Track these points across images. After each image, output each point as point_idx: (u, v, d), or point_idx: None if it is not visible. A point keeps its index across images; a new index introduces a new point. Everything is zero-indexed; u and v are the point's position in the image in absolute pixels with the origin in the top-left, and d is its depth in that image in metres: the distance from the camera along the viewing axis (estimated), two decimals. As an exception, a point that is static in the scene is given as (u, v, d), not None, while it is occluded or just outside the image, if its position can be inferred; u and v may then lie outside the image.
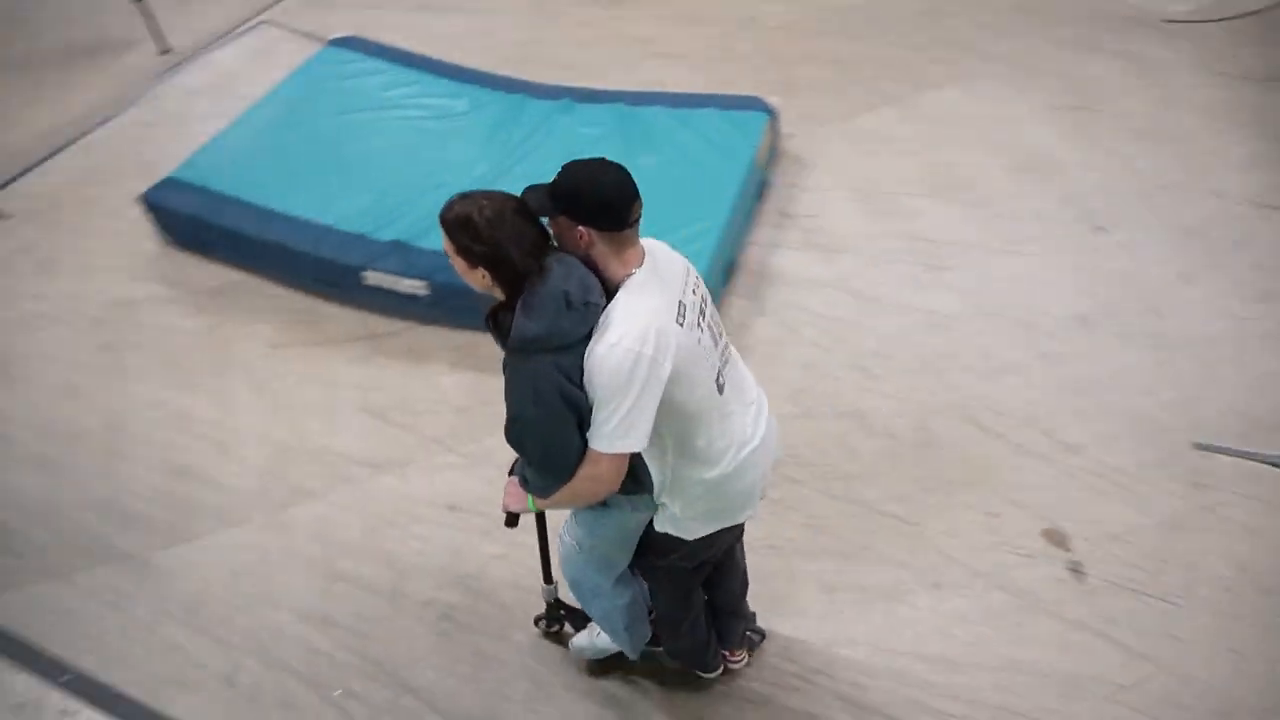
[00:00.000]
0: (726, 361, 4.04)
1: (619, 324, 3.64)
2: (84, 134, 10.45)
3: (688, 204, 7.71)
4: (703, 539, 4.23)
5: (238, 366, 7.69)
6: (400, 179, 8.55)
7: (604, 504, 4.15)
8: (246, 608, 6.04)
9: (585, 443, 3.71)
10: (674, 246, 6.76)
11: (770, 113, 8.83)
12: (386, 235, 7.88)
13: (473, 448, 6.85)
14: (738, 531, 4.65)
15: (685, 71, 10.37)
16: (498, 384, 6.80)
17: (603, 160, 3.73)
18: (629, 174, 3.72)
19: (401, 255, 7.72)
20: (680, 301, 3.80)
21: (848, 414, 6.83)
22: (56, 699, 5.50)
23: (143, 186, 8.89)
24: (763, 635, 5.47)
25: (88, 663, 5.80)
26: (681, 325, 3.75)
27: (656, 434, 3.81)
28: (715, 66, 10.46)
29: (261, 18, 12.40)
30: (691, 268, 4.02)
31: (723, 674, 5.36)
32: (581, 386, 3.65)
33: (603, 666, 5.51)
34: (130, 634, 5.93)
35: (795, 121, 9.35)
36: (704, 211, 7.66)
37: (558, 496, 3.88)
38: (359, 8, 12.43)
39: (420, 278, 7.58)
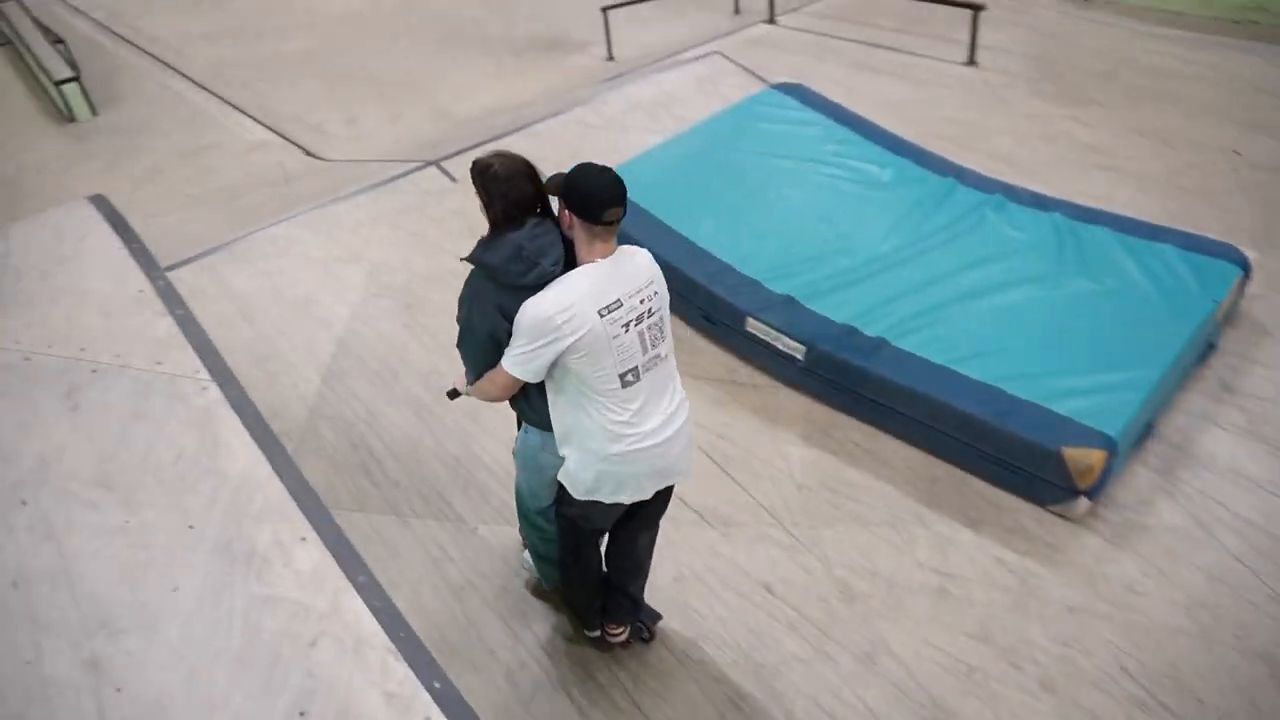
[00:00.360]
0: (650, 369, 4.59)
1: (553, 290, 4.42)
2: (537, 120, 10.70)
3: (1118, 347, 6.83)
4: (590, 503, 4.83)
5: (600, 373, 7.65)
6: (809, 235, 8.17)
7: (526, 431, 4.95)
8: (543, 608, 5.91)
9: (498, 359, 4.59)
10: (1089, 391, 6.52)
11: (1243, 266, 7.67)
12: (780, 288, 7.51)
13: (804, 531, 6.31)
14: (639, 521, 5.14)
15: (1138, 194, 9.33)
16: (849, 472, 6.27)
17: (605, 168, 4.44)
18: (621, 186, 4.41)
19: (789, 313, 7.30)
20: (618, 299, 4.44)
21: (1261, 657, 5.58)
22: (425, 702, 5.39)
23: (572, 181, 9.14)
24: (651, 635, 5.68)
25: (401, 602, 5.66)
26: (603, 316, 4.41)
27: (556, 386, 4.62)
28: (1177, 196, 9.31)
29: (713, 47, 12.45)
30: (658, 287, 4.63)
31: (601, 641, 5.64)
32: (510, 321, 4.48)
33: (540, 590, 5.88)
34: (440, 593, 5.97)
35: (1268, 282, 8.11)
36: (1135, 360, 6.73)
37: (472, 387, 4.80)
38: (806, 55, 12.28)
39: (801, 341, 7.14)
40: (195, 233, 9.13)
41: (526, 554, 5.96)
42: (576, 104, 10.98)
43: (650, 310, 4.54)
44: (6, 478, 5.71)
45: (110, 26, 16.84)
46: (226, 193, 10.32)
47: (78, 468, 5.75)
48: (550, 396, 4.68)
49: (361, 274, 8.54)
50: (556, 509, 5.18)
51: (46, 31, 15.45)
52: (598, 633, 5.64)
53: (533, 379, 4.55)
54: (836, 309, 7.38)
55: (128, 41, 15.96)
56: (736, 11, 15.15)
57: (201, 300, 7.99)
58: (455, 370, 7.42)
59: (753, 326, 7.39)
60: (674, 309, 7.84)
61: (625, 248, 4.57)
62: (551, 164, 9.76)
